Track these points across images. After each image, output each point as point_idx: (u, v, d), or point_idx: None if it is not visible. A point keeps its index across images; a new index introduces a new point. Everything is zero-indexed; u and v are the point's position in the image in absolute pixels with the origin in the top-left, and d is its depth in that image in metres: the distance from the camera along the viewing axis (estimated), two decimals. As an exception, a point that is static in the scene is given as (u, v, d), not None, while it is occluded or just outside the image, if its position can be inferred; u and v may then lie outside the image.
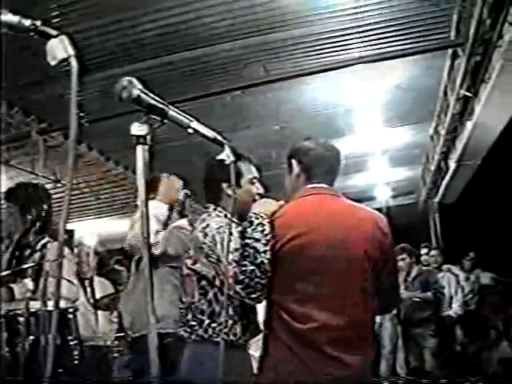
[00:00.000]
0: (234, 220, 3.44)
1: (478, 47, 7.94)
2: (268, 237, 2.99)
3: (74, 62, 1.60)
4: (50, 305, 3.74)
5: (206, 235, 3.28)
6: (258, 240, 2.97)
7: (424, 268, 10.01)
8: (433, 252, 10.67)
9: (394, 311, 10.10)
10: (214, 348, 2.93)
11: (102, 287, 7.41)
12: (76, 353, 4.12)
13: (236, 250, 3.03)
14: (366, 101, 10.09)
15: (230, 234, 3.10)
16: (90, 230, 13.58)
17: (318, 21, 7.63)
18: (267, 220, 3.06)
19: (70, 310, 4.16)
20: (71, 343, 4.09)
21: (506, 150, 11.92)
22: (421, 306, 9.33)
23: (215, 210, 3.53)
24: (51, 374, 1.64)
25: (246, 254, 2.95)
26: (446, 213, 17.24)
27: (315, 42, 8.11)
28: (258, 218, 3.04)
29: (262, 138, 11.00)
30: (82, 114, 9.23)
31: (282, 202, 3.26)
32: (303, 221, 3.03)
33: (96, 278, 7.47)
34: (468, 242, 13.46)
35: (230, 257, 3.02)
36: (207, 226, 3.33)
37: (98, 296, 7.06)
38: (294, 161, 3.25)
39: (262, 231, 3.00)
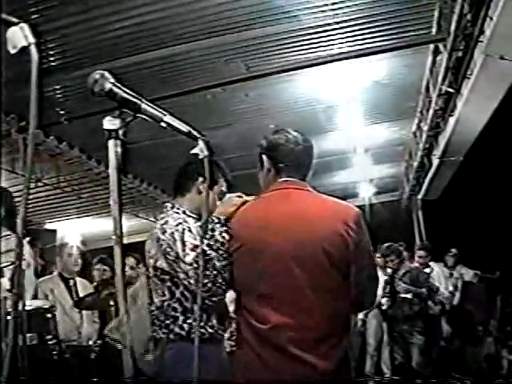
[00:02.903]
0: (193, 216, 3.43)
1: (460, 42, 7.93)
2: (226, 239, 2.99)
3: (34, 51, 1.55)
4: (28, 304, 3.71)
5: (164, 232, 3.27)
6: (218, 244, 2.95)
7: (412, 265, 10.02)
8: (420, 252, 10.71)
9: (382, 307, 10.17)
10: (192, 345, 2.88)
11: (83, 287, 7.40)
12: (55, 352, 4.09)
13: (196, 247, 3.02)
14: (347, 97, 10.05)
15: (189, 230, 3.09)
16: (73, 230, 13.51)
17: (298, 17, 7.58)
18: (226, 221, 3.05)
19: (49, 310, 4.12)
20: (50, 342, 4.05)
21: (488, 145, 11.96)
22: (409, 302, 9.36)
23: (173, 207, 3.53)
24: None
25: (208, 258, 2.93)
26: (429, 210, 17.28)
27: (295, 38, 8.04)
28: (217, 222, 3.02)
29: (243, 135, 10.96)
30: (62, 112, 9.19)
31: (247, 198, 3.22)
32: (261, 220, 3.00)
33: (77, 278, 7.45)
34: (451, 239, 13.50)
35: (192, 255, 3.01)
36: (165, 222, 3.32)
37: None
38: (264, 156, 3.19)
39: (221, 234, 2.98)
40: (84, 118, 8.99)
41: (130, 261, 8.65)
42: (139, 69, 8.34)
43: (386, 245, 9.98)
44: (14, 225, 4.54)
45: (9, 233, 4.43)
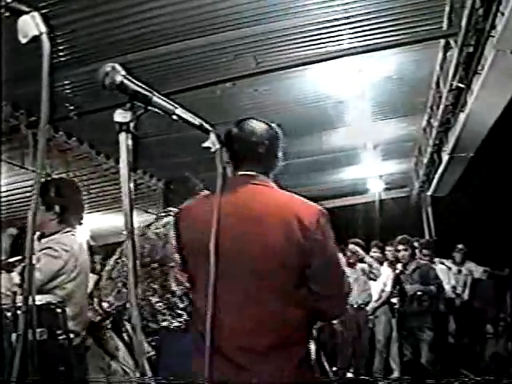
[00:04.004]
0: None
1: (471, 38, 7.89)
2: (175, 235, 2.93)
3: (45, 40, 1.52)
4: (38, 299, 3.69)
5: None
6: (173, 239, 2.91)
7: (422, 262, 9.99)
8: (425, 251, 10.67)
9: (392, 304, 10.16)
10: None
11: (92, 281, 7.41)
12: (65, 347, 4.08)
13: None
14: (357, 93, 10.03)
15: None
16: (82, 225, 13.51)
17: (307, 11, 7.56)
18: (177, 215, 3.01)
19: (59, 305, 4.10)
20: (60, 337, 4.04)
21: (498, 141, 11.91)
22: (419, 299, 9.34)
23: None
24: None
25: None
26: (438, 206, 17.25)
27: (305, 33, 8.03)
28: (172, 216, 2.96)
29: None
30: (71, 107, 9.19)
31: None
32: (204, 216, 2.79)
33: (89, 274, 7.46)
34: (460, 236, 13.47)
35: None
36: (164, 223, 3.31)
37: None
38: (223, 149, 3.10)
39: (174, 230, 2.95)
40: (93, 113, 9.00)
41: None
42: (149, 64, 8.33)
43: (400, 237, 9.94)
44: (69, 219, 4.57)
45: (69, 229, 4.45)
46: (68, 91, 8.99)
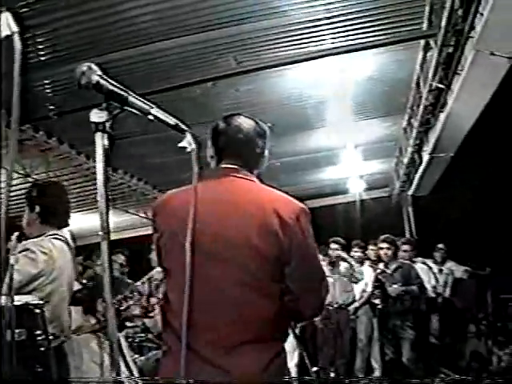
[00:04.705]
0: None
1: (450, 38, 7.94)
2: (153, 228, 2.90)
3: (17, 40, 1.52)
4: (16, 299, 3.68)
5: None
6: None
7: (403, 261, 10.00)
8: (405, 247, 10.66)
9: (374, 304, 10.17)
10: None
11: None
12: (43, 348, 4.06)
13: None
14: (338, 93, 10.04)
15: None
16: (67, 227, 13.44)
17: (289, 11, 7.57)
18: (154, 208, 2.97)
19: (38, 305, 4.08)
20: (38, 338, 4.02)
21: (479, 142, 11.97)
22: (401, 298, 9.36)
23: None
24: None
25: None
26: (419, 205, 17.31)
27: (286, 33, 8.06)
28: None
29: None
30: (51, 107, 9.15)
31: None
32: (185, 208, 2.69)
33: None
34: (441, 235, 13.53)
35: None
36: None
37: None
38: (208, 142, 3.08)
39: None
40: (73, 112, 8.96)
41: (120, 258, 8.61)
42: (129, 63, 8.33)
43: (384, 236, 9.96)
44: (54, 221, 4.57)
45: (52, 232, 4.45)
46: (48, 91, 8.96)
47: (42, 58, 7.94)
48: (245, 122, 3.03)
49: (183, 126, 2.12)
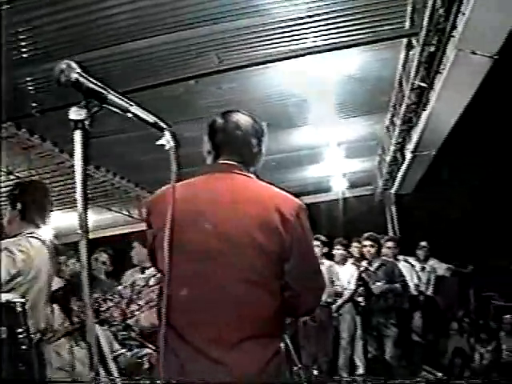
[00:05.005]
0: None
1: (432, 37, 7.97)
2: (147, 226, 2.87)
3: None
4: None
5: None
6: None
7: (387, 259, 10.02)
8: (389, 244, 10.68)
9: (357, 302, 10.20)
10: None
11: (55, 281, 7.33)
12: (24, 346, 4.05)
13: None
14: (321, 91, 10.05)
15: None
16: (47, 225, 13.38)
17: (271, 10, 7.58)
18: (148, 205, 2.95)
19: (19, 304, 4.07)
20: (20, 336, 4.01)
21: (461, 140, 12.01)
22: (384, 296, 9.38)
23: None
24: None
25: None
26: (402, 204, 17.35)
27: (269, 31, 8.06)
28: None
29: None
30: (33, 104, 9.11)
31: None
32: (184, 203, 2.73)
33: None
34: (424, 233, 13.58)
35: None
36: None
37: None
38: (205, 137, 3.07)
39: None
40: (56, 110, 8.91)
41: (103, 256, 8.56)
42: (111, 61, 8.30)
43: (368, 233, 9.99)
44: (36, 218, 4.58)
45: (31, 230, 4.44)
46: (31, 88, 8.92)
47: (25, 55, 7.91)
48: (243, 119, 3.04)
49: (162, 124, 2.12)
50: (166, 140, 2.13)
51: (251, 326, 2.69)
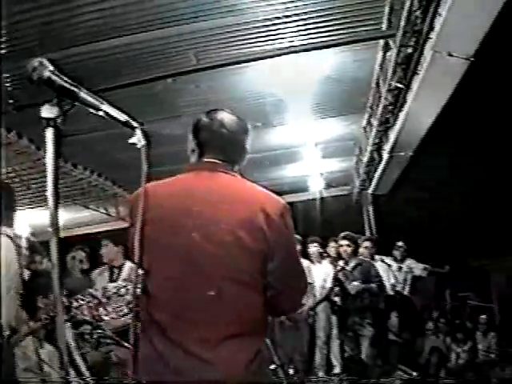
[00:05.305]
0: None
1: (410, 39, 8.00)
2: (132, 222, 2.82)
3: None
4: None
5: None
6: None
7: (363, 258, 10.04)
8: (366, 243, 10.72)
9: (333, 301, 10.21)
10: None
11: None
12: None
13: None
14: (298, 91, 10.06)
15: None
16: (22, 221, 13.31)
17: (248, 9, 7.59)
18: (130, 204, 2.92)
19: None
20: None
21: (437, 141, 12.08)
22: (360, 295, 9.40)
23: None
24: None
25: None
26: (379, 204, 17.41)
27: (246, 30, 8.07)
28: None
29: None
30: (10, 101, 9.05)
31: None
32: (169, 199, 2.81)
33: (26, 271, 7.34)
34: (401, 234, 13.64)
35: None
36: None
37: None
38: (190, 135, 3.07)
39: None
40: (32, 107, 8.86)
41: (81, 255, 8.50)
42: (89, 58, 8.27)
43: (344, 233, 10.00)
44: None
45: None
46: (7, 85, 8.86)
47: (2, 52, 7.86)
48: (227, 118, 3.04)
49: (133, 123, 2.12)
50: (138, 138, 2.14)
51: (235, 324, 2.70)
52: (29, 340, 5.25)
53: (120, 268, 7.42)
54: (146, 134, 2.15)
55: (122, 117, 2.10)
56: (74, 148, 11.06)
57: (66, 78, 2.00)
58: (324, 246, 11.35)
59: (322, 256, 11.15)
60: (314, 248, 10.99)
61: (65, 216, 15.74)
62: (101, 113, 2.05)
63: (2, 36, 6.96)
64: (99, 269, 7.99)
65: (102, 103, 2.05)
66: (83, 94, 2.02)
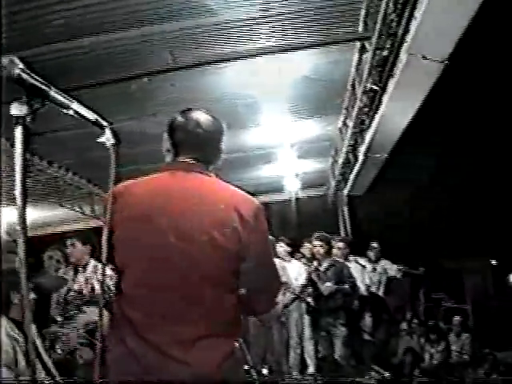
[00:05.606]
0: None
1: (385, 41, 8.03)
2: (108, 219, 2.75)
3: None
4: None
5: None
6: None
7: (337, 259, 10.06)
8: (339, 244, 10.74)
9: (306, 300, 10.21)
10: None
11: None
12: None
13: None
14: (274, 91, 10.06)
15: None
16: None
17: (226, 9, 7.58)
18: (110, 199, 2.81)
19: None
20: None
21: (412, 143, 12.15)
22: (333, 296, 9.41)
23: None
24: None
25: None
26: (354, 205, 17.45)
27: (223, 30, 8.05)
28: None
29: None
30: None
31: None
32: (143, 199, 2.81)
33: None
34: (376, 234, 13.69)
35: None
36: None
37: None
38: (165, 134, 3.07)
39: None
40: (6, 104, 8.80)
41: (57, 254, 8.43)
42: (62, 56, 8.19)
43: (318, 233, 10.00)
44: None
45: None
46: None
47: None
48: (203, 117, 3.04)
49: (103, 122, 2.12)
50: (107, 137, 2.14)
51: (208, 324, 2.71)
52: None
53: (84, 267, 7.37)
54: (115, 133, 2.15)
55: (92, 115, 2.10)
56: (50, 146, 11.00)
57: (36, 77, 2.00)
58: (293, 245, 11.37)
59: (291, 255, 11.16)
60: (280, 248, 10.96)
61: (40, 214, 15.67)
62: (71, 112, 2.04)
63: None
64: (64, 268, 7.93)
65: (71, 102, 2.04)
66: (53, 93, 2.01)
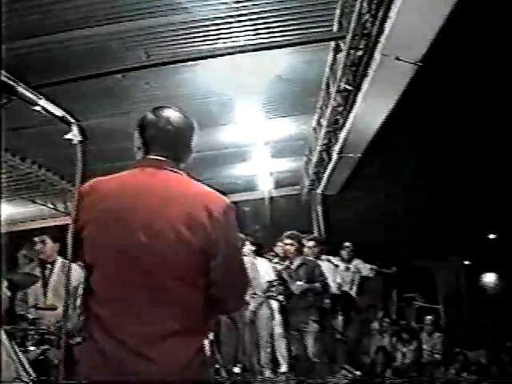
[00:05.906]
0: None
1: (359, 41, 8.06)
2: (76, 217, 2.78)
3: None
4: None
5: None
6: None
7: (308, 258, 10.07)
8: (310, 243, 10.75)
9: (277, 298, 10.23)
10: None
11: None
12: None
13: None
14: (248, 90, 10.08)
15: None
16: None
17: (201, 7, 7.57)
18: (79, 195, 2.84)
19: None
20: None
21: (386, 142, 12.20)
22: (304, 294, 9.43)
23: None
24: None
25: None
26: (328, 204, 17.47)
27: (197, 28, 8.05)
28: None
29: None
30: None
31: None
32: (112, 196, 2.79)
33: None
34: (349, 234, 13.75)
35: None
36: None
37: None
38: (135, 132, 3.06)
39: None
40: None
41: (31, 253, 8.36)
42: (38, 52, 8.15)
43: (289, 232, 10.01)
44: None
45: None
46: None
47: None
48: (174, 115, 3.04)
49: (70, 119, 2.11)
50: (74, 134, 2.13)
51: (176, 321, 2.69)
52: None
53: (52, 264, 7.30)
54: (82, 131, 2.13)
55: (59, 112, 2.09)
56: (23, 142, 10.93)
57: (3, 73, 1.98)
58: (259, 245, 11.38)
59: (256, 254, 11.14)
60: (245, 247, 10.95)
61: (13, 210, 15.57)
62: (38, 108, 2.03)
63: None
64: (32, 264, 7.85)
65: (39, 98, 2.03)
66: (21, 89, 2.00)
